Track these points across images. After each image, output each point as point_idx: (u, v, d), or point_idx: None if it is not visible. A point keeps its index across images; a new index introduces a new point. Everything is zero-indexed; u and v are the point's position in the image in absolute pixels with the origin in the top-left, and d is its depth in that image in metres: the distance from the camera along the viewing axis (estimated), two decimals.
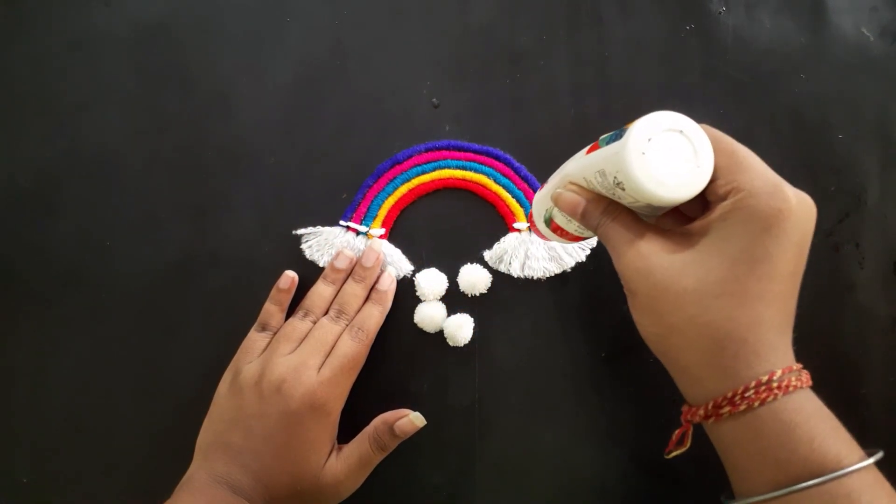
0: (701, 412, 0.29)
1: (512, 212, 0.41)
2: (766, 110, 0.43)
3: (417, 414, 0.38)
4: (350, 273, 0.40)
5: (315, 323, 0.38)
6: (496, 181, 0.41)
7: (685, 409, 0.31)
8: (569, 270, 0.41)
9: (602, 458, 0.40)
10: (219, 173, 0.41)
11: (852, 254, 0.42)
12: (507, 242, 0.41)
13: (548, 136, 0.42)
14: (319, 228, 0.41)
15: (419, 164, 0.41)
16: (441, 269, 0.41)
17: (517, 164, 0.41)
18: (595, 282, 0.42)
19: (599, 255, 0.42)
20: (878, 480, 0.27)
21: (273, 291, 0.40)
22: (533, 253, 0.41)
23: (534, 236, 0.41)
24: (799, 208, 0.27)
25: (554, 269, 0.41)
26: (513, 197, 0.41)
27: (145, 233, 0.41)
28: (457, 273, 0.41)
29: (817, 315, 0.42)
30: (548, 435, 0.40)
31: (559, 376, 0.40)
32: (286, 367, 0.36)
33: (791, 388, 0.27)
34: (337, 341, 0.38)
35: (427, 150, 0.41)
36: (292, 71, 0.42)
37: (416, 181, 0.41)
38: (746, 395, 0.27)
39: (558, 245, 0.41)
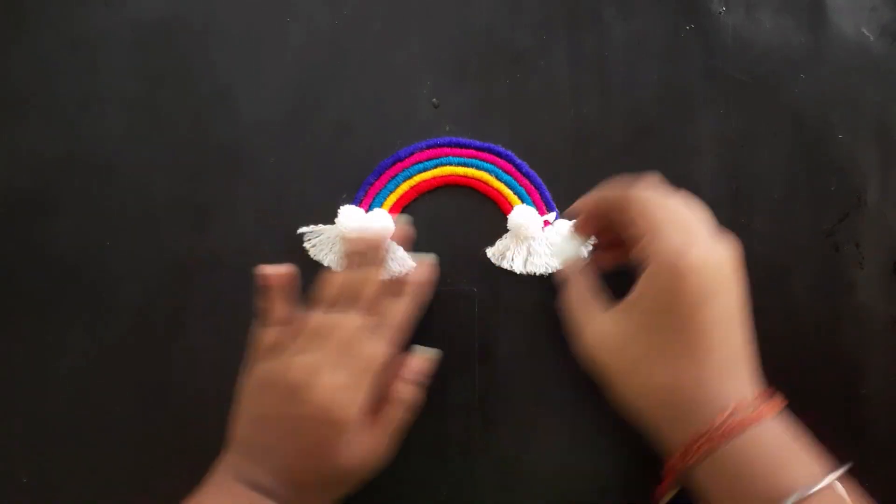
0: (673, 463, 0.31)
1: (514, 208, 0.41)
2: (766, 110, 0.43)
3: (422, 349, 0.38)
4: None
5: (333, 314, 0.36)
6: (498, 178, 0.41)
7: (666, 462, 0.32)
8: None
9: (602, 458, 0.40)
10: (219, 173, 0.41)
11: (852, 254, 0.42)
12: (510, 239, 0.41)
13: (548, 136, 0.42)
14: (322, 227, 0.41)
15: (421, 161, 0.41)
16: (442, 268, 0.41)
17: (519, 161, 0.41)
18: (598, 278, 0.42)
19: None
20: (838, 500, 0.27)
21: (264, 284, 0.38)
22: (535, 249, 0.41)
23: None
24: (701, 262, 0.29)
25: (557, 266, 0.41)
26: (515, 193, 0.41)
27: (145, 233, 0.41)
28: (458, 271, 0.41)
29: (817, 315, 0.42)
30: (548, 434, 0.40)
31: (561, 374, 0.40)
32: (301, 371, 0.33)
33: (746, 424, 0.28)
34: (355, 337, 0.35)
35: (428, 147, 0.41)
36: (292, 71, 0.42)
37: (417, 178, 0.41)
38: (698, 444, 0.28)
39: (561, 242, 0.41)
